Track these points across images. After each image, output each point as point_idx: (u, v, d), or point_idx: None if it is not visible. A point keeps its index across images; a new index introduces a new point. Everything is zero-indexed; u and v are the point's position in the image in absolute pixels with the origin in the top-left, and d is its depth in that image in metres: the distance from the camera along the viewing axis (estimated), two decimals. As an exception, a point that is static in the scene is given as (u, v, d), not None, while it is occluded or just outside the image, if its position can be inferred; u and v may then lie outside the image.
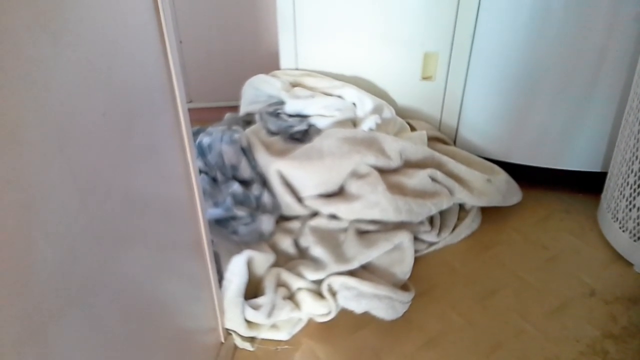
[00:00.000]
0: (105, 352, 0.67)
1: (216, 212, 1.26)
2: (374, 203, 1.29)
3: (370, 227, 1.33)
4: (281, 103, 1.56)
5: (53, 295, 0.55)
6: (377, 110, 1.52)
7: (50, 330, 0.54)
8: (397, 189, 1.33)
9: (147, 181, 0.76)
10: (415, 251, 1.32)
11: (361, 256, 1.24)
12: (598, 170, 1.52)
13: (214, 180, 1.35)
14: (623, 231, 1.33)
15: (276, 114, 1.54)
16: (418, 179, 1.36)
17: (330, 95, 1.56)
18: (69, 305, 0.58)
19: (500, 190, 1.46)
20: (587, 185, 1.57)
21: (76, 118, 0.57)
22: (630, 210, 1.29)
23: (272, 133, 1.50)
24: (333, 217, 1.34)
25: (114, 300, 0.68)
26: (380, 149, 1.36)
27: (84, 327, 0.61)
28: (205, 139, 1.37)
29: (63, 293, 0.56)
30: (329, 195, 1.36)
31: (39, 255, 0.52)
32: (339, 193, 1.38)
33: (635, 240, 1.30)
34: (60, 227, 0.55)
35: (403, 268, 1.26)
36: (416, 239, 1.35)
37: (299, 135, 1.48)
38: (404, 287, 1.26)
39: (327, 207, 1.32)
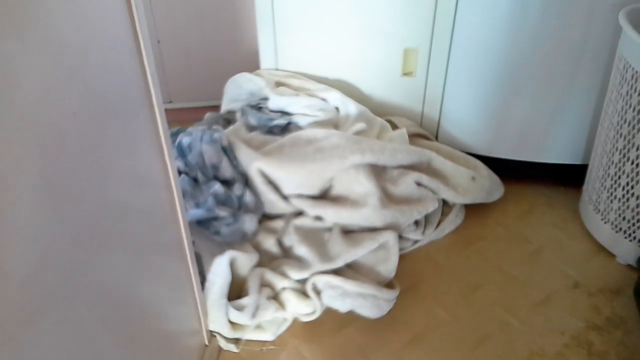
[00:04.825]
0: (84, 358, 0.65)
1: (197, 212, 1.24)
2: (363, 216, 1.29)
3: (355, 227, 1.32)
4: (264, 99, 1.55)
5: (26, 300, 0.53)
6: (361, 115, 1.52)
7: (24, 336, 0.53)
8: (384, 199, 1.33)
9: (124, 182, 0.75)
10: (400, 249, 1.32)
11: (346, 255, 1.23)
12: (579, 162, 1.53)
13: (195, 180, 1.33)
14: (605, 223, 1.34)
15: (258, 108, 1.53)
16: (404, 185, 1.36)
17: (315, 97, 1.55)
18: (43, 310, 0.56)
19: (484, 187, 1.46)
20: (568, 178, 1.58)
21: (46, 117, 0.55)
22: (611, 201, 1.30)
23: (252, 128, 1.49)
24: (318, 217, 1.33)
25: (92, 305, 0.67)
26: (369, 146, 1.35)
27: (61, 332, 0.59)
28: (184, 139, 1.36)
29: (37, 298, 0.55)
30: (317, 198, 1.35)
31: (10, 258, 0.50)
32: (328, 195, 1.36)
33: (617, 232, 1.31)
34: (32, 230, 0.54)
35: (388, 267, 1.25)
36: (401, 237, 1.35)
37: (277, 129, 1.47)
38: (388, 284, 1.25)
39: (313, 209, 1.31)
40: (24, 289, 0.52)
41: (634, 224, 1.26)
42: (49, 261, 0.57)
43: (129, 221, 0.77)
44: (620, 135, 1.23)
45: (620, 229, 1.30)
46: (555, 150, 1.52)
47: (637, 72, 1.15)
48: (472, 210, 1.51)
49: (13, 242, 0.51)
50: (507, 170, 1.57)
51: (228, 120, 1.62)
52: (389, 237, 1.27)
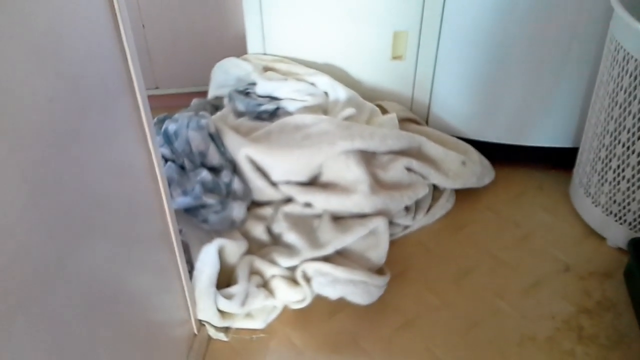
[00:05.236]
0: (67, 352, 0.64)
1: (185, 200, 1.22)
2: (353, 203, 1.27)
3: (345, 214, 1.30)
4: (252, 84, 1.52)
5: (1, 295, 0.51)
6: (351, 100, 1.50)
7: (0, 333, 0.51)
8: (374, 185, 1.31)
9: (105, 171, 0.73)
10: (391, 234, 1.30)
11: (336, 241, 1.22)
12: (569, 145, 1.52)
13: (182, 168, 1.31)
14: (595, 206, 1.34)
15: (246, 93, 1.51)
16: (394, 171, 1.34)
17: (303, 81, 1.52)
18: (21, 305, 0.54)
19: (475, 172, 1.45)
20: (559, 161, 1.57)
21: (20, 104, 0.53)
22: (602, 184, 1.29)
23: (240, 114, 1.47)
24: (307, 203, 1.31)
25: (74, 297, 0.65)
26: (358, 132, 1.33)
27: (40, 328, 0.58)
28: (171, 126, 1.33)
29: (14, 292, 0.53)
30: (306, 184, 1.33)
31: (-18, 254, 0.48)
32: (317, 182, 1.35)
33: (607, 215, 1.31)
34: (7, 222, 0.52)
35: (378, 253, 1.24)
36: (391, 222, 1.33)
37: (266, 115, 1.45)
38: (379, 270, 1.24)
39: (302, 196, 1.29)
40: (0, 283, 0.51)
41: (624, 207, 1.25)
42: (26, 253, 0.55)
43: (111, 211, 0.75)
44: (612, 117, 1.22)
45: (611, 212, 1.30)
46: (545, 134, 1.51)
47: (628, 53, 1.13)
48: (463, 194, 1.50)
49: (-13, 235, 0.49)
50: (497, 153, 1.56)
51: (215, 106, 1.59)
52: (380, 223, 1.26)
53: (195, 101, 1.61)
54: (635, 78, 1.12)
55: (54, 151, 0.59)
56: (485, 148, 1.54)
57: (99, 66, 0.69)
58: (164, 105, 1.75)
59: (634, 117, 1.15)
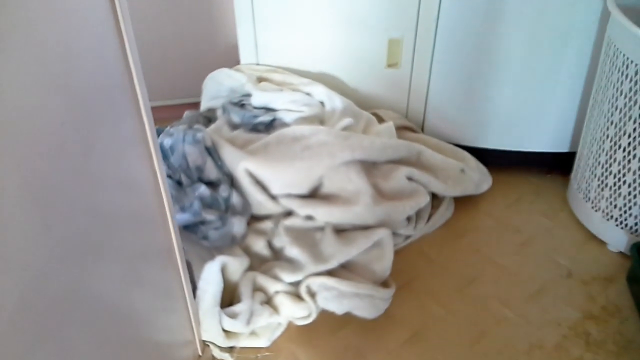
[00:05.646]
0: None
1: (184, 217, 1.19)
2: (356, 215, 1.25)
3: (348, 226, 1.28)
4: (246, 96, 1.50)
5: (19, 333, 0.48)
6: (347, 109, 1.48)
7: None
8: (376, 195, 1.29)
9: (113, 192, 0.70)
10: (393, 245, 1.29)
11: (340, 255, 1.19)
12: (566, 150, 1.52)
13: (179, 183, 1.27)
14: (595, 211, 1.34)
15: (240, 105, 1.48)
16: (394, 181, 1.33)
17: (299, 91, 1.50)
18: (39, 342, 0.51)
19: (473, 179, 1.44)
20: (554, 165, 1.57)
21: (32, 130, 0.50)
22: (602, 189, 1.29)
23: (235, 126, 1.44)
24: (308, 216, 1.29)
25: (88, 325, 0.62)
26: (358, 142, 1.32)
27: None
28: (166, 140, 1.30)
29: (31, 329, 0.50)
30: (306, 197, 1.31)
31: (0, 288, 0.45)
32: (317, 194, 1.32)
33: (608, 219, 1.31)
34: (23, 254, 0.49)
35: (383, 265, 1.22)
36: (393, 233, 1.32)
37: (262, 126, 1.42)
38: (383, 282, 1.23)
39: (304, 209, 1.27)
40: (16, 321, 0.48)
41: (625, 212, 1.26)
42: (43, 285, 0.52)
43: (119, 231, 0.72)
44: (611, 122, 1.22)
45: (612, 217, 1.30)
46: (541, 139, 1.51)
47: (628, 58, 1.13)
48: (461, 202, 1.49)
49: (2, 269, 0.46)
50: (493, 159, 1.56)
51: (209, 118, 1.56)
52: (383, 235, 1.24)
53: (187, 113, 1.58)
54: (636, 83, 1.13)
55: (65, 175, 0.56)
56: (480, 154, 1.54)
57: (107, 85, 0.67)
58: (155, 117, 1.71)
59: (634, 122, 1.15)
